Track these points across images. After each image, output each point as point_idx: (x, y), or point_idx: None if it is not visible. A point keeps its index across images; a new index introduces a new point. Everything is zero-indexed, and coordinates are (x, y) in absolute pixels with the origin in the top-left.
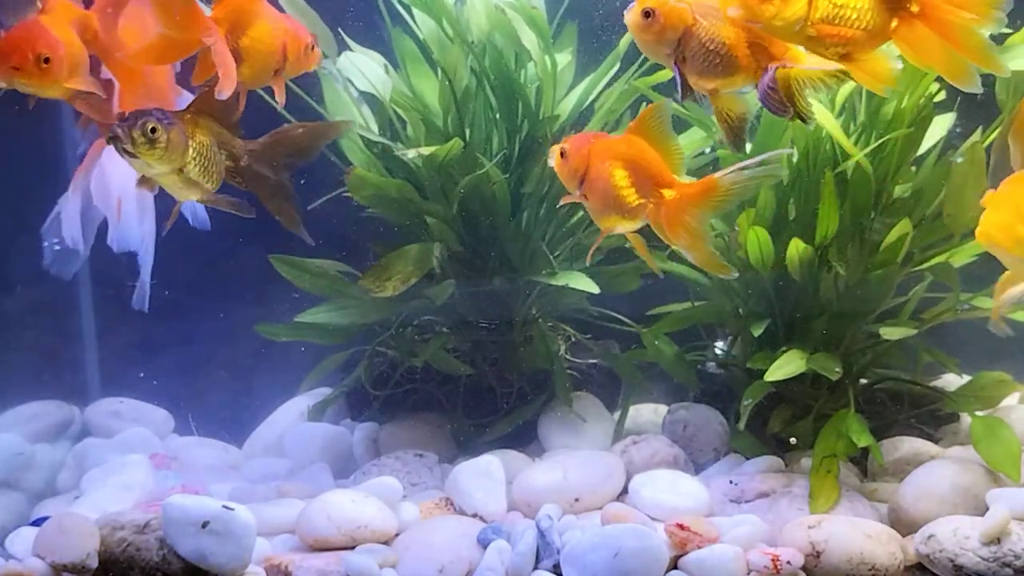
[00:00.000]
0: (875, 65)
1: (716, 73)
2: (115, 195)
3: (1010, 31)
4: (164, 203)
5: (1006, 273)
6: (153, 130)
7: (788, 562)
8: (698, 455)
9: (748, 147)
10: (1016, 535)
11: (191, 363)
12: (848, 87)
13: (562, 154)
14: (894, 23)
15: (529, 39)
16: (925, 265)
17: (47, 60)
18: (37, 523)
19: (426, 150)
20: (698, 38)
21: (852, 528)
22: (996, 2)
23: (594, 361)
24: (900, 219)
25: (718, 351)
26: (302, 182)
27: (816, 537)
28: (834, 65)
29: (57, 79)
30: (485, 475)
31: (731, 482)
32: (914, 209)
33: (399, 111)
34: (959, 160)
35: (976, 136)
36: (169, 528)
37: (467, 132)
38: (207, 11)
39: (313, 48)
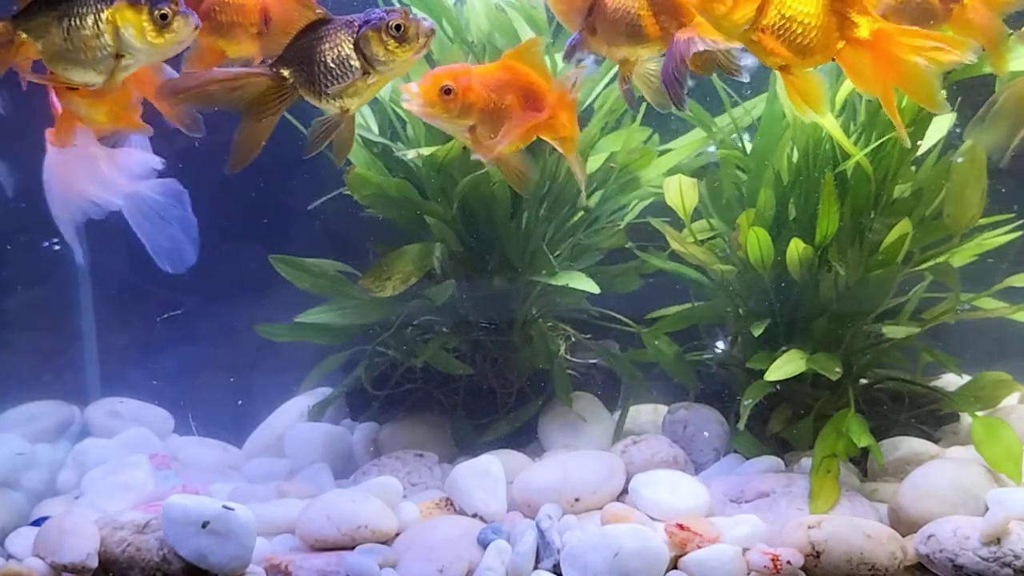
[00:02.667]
0: (807, 84)
1: (626, 42)
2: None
3: (1010, 31)
4: None
5: None
6: (399, 27)
7: (788, 562)
8: (698, 455)
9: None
10: (1016, 535)
11: (191, 363)
12: (848, 87)
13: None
14: (840, 44)
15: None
16: (925, 265)
17: None
18: (37, 523)
19: (426, 150)
20: (607, 7)
21: (852, 528)
22: (966, 47)
23: (594, 361)
24: (900, 219)
25: (718, 349)
26: (302, 182)
27: (816, 537)
28: (730, 44)
29: None
30: (485, 475)
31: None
32: (914, 209)
33: (399, 111)
34: (959, 160)
35: None
36: (169, 528)
37: None
38: None
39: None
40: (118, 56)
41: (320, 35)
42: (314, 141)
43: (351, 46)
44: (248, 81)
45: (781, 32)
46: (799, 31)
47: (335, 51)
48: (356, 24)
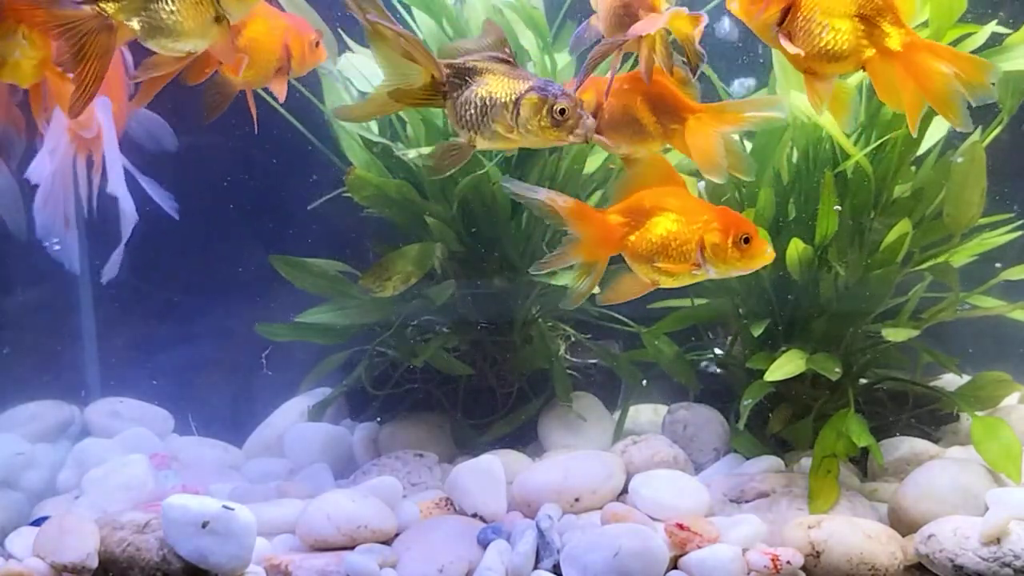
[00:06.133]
0: (833, 90)
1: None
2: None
3: (1009, 31)
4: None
5: None
6: (563, 111)
7: (788, 562)
8: (698, 455)
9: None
10: (1016, 535)
11: (191, 363)
12: (849, 87)
13: None
14: (870, 53)
15: (529, 39)
16: (925, 265)
17: None
18: (37, 523)
19: (426, 150)
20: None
21: (852, 528)
22: (988, 71)
23: (594, 361)
24: (900, 219)
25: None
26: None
27: (816, 537)
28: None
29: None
30: (485, 475)
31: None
32: (914, 209)
33: (399, 111)
34: (959, 160)
35: (976, 136)
36: (169, 528)
37: None
38: None
39: (318, 44)
40: (218, 19)
41: (492, 70)
42: (438, 164)
43: (513, 99)
44: (420, 61)
45: (803, 35)
46: (818, 30)
47: (494, 93)
48: (528, 81)
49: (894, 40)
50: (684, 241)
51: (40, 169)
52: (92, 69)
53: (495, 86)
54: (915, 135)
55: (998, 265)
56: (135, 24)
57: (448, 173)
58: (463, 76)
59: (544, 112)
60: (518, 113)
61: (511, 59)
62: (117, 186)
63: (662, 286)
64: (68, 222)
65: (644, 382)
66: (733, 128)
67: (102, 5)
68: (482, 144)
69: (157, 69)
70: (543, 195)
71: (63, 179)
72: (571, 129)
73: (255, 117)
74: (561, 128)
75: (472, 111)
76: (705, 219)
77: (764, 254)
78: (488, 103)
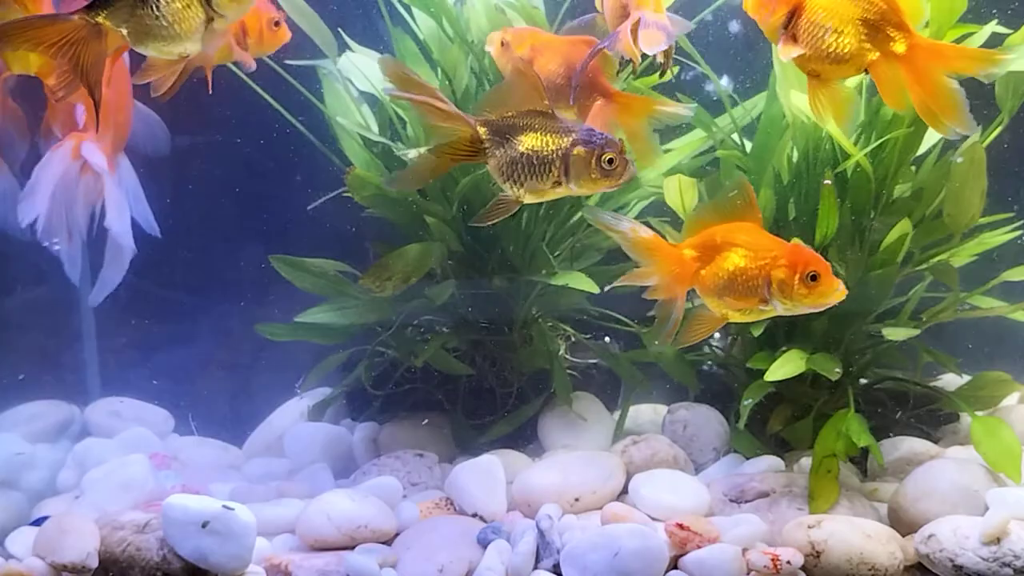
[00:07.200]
0: (835, 94)
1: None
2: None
3: (1010, 31)
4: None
5: None
6: (611, 161)
7: (788, 562)
8: (698, 455)
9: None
10: (1016, 535)
11: (191, 363)
12: (849, 85)
13: None
14: (874, 55)
15: None
16: (925, 265)
17: None
18: (37, 523)
19: (426, 150)
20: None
21: (852, 528)
22: (994, 61)
23: (594, 361)
24: (900, 219)
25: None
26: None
27: (816, 537)
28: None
29: None
30: (485, 475)
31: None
32: (914, 209)
33: (399, 111)
34: (959, 160)
35: (976, 136)
36: (169, 528)
37: None
38: None
39: (279, 24)
40: (209, 20)
41: (531, 125)
42: (484, 217)
43: (560, 154)
44: (452, 124)
45: (808, 39)
46: (820, 34)
47: (539, 150)
48: (571, 134)
49: (898, 44)
50: (751, 277)
51: (28, 210)
52: (92, 78)
53: (538, 143)
54: (940, 130)
55: (1020, 241)
56: (124, 30)
57: (492, 223)
58: (502, 133)
59: (593, 164)
60: (567, 168)
61: (548, 109)
62: (115, 220)
63: (731, 320)
64: (71, 236)
65: (607, 338)
66: (635, 120)
67: (91, 13)
68: (528, 199)
69: (155, 72)
70: (627, 226)
71: (65, 202)
72: (619, 176)
73: (210, 88)
74: (610, 177)
75: (518, 169)
76: (773, 255)
77: (833, 292)
78: (535, 161)
